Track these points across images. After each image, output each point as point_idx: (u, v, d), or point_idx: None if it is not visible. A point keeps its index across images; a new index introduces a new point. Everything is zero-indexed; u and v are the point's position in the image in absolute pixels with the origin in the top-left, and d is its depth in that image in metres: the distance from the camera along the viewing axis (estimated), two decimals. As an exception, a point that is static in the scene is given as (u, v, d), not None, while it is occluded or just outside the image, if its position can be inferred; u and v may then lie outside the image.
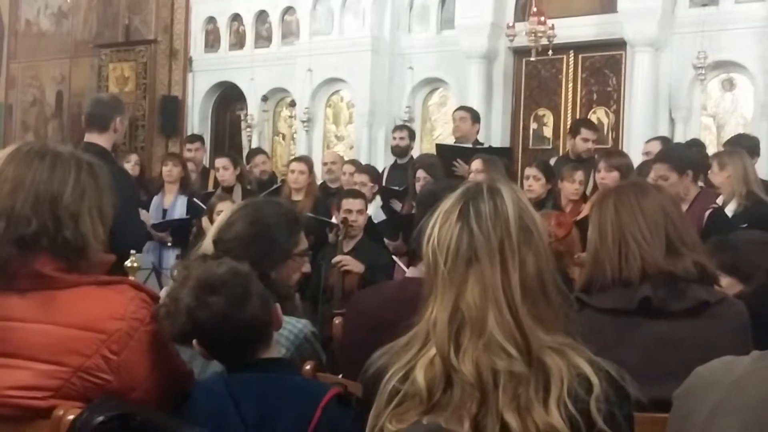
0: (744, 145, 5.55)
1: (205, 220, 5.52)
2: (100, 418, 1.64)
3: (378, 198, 6.53)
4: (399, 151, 7.49)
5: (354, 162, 7.53)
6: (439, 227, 1.47)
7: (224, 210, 5.13)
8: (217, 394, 1.85)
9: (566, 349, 1.41)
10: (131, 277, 3.41)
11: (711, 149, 6.77)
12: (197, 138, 8.33)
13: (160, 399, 1.85)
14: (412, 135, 7.73)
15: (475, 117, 7.18)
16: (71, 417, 1.70)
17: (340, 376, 2.47)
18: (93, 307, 1.81)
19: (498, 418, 1.35)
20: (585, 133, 6.53)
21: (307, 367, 2.20)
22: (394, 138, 7.58)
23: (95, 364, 1.76)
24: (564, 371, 1.37)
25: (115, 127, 4.25)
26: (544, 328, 1.41)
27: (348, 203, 5.26)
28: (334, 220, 5.62)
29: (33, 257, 1.80)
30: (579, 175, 5.57)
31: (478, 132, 7.21)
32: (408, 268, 2.94)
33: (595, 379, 1.37)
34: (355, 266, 4.97)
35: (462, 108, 7.37)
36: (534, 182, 5.43)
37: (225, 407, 1.82)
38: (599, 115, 8.62)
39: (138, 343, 1.81)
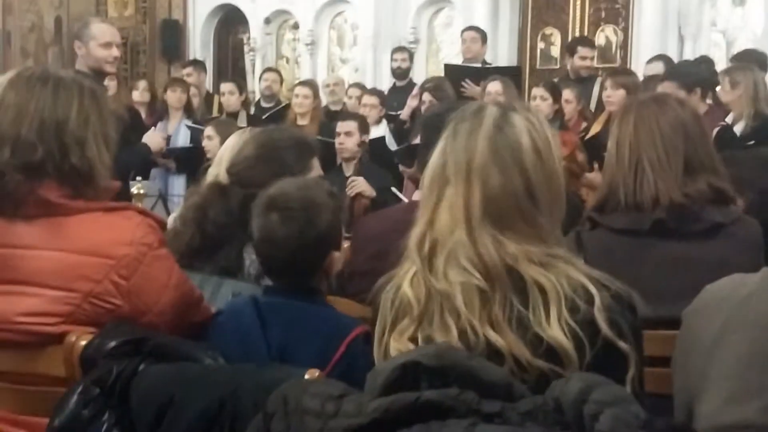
0: (752, 60, 5.42)
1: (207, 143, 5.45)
2: (113, 343, 1.65)
3: (385, 121, 6.48)
4: (401, 73, 7.42)
5: (359, 85, 7.44)
6: (436, 149, 1.48)
7: (213, 135, 5.10)
8: (246, 315, 1.86)
9: (557, 261, 1.40)
10: (138, 204, 3.40)
11: (720, 66, 6.64)
12: (192, 62, 8.20)
13: (172, 323, 1.85)
14: (411, 57, 7.66)
15: (485, 37, 7.10)
16: (83, 342, 1.70)
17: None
18: (101, 232, 1.80)
19: (477, 333, 1.36)
20: (582, 51, 6.46)
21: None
22: (395, 60, 7.50)
23: (105, 289, 1.76)
24: (563, 286, 1.36)
25: (77, 51, 4.08)
26: (519, 244, 1.39)
27: (338, 126, 5.19)
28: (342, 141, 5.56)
29: (39, 184, 1.79)
30: (566, 93, 5.51)
31: (485, 52, 7.11)
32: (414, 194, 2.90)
33: (593, 290, 1.36)
34: (367, 189, 4.92)
35: (472, 28, 7.23)
36: (541, 102, 5.37)
37: (251, 329, 1.84)
38: (607, 33, 8.46)
39: (147, 267, 1.80)
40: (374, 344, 1.47)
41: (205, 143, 5.37)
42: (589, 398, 1.14)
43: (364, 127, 5.32)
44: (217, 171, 2.56)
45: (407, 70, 7.44)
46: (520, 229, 1.41)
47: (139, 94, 6.95)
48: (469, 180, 1.41)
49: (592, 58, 6.43)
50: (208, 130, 5.35)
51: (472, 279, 1.37)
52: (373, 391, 1.28)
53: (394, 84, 7.50)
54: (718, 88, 4.83)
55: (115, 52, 4.11)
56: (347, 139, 5.12)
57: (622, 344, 1.35)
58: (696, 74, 4.66)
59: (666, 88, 4.33)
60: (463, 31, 7.22)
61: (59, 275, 1.76)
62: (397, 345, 1.42)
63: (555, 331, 1.34)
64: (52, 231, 1.78)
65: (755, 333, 1.12)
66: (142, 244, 1.81)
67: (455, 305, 1.38)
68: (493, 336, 1.35)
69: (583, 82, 6.08)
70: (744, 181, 2.49)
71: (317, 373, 1.49)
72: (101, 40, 4.04)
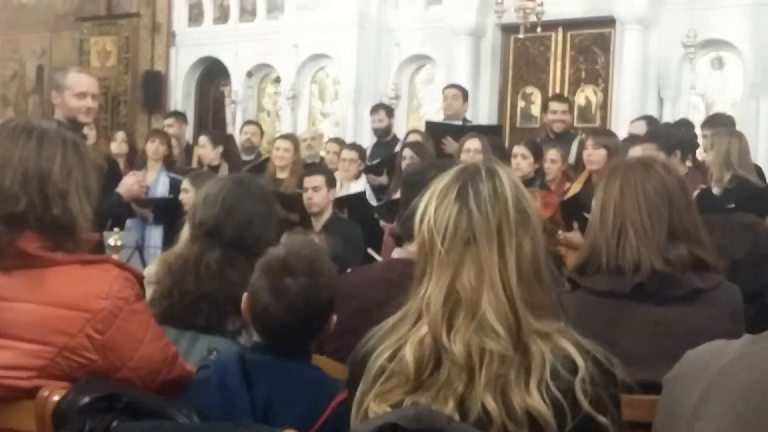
0: (723, 124, 5.52)
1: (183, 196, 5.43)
2: (87, 399, 1.61)
3: (364, 176, 6.50)
4: (381, 132, 7.49)
5: (338, 140, 7.49)
6: (436, 206, 1.44)
7: (189, 188, 5.08)
8: (231, 372, 1.84)
9: (553, 333, 1.41)
10: (114, 256, 3.36)
11: (699, 129, 6.77)
12: (173, 114, 8.25)
13: (147, 379, 1.82)
14: (390, 113, 7.72)
15: (466, 95, 7.21)
16: (56, 398, 1.67)
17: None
18: (77, 285, 1.78)
19: (479, 400, 1.35)
20: (552, 105, 6.58)
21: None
22: (373, 121, 7.58)
23: (80, 344, 1.74)
24: (547, 354, 1.37)
25: (53, 101, 4.08)
26: (535, 314, 1.41)
27: (306, 180, 5.22)
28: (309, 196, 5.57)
29: (19, 235, 1.78)
30: (552, 153, 5.55)
31: (466, 110, 7.21)
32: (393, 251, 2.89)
33: (580, 361, 1.37)
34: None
35: (454, 86, 7.33)
36: (522, 161, 5.40)
37: (236, 386, 1.81)
38: (587, 93, 8.61)
39: (123, 322, 1.78)
40: (353, 406, 1.44)
41: (181, 196, 5.36)
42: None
43: (331, 182, 5.34)
44: (190, 227, 2.54)
45: (387, 128, 7.50)
46: (537, 294, 1.42)
47: (117, 146, 6.96)
48: (502, 242, 1.41)
49: (563, 112, 6.49)
50: (185, 183, 5.34)
51: (499, 343, 1.36)
52: (351, 454, 1.26)
53: (378, 141, 7.55)
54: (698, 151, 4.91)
55: (90, 102, 4.06)
56: (315, 193, 5.16)
57: (601, 419, 1.36)
58: (676, 136, 4.73)
59: (646, 149, 4.39)
60: (444, 89, 7.32)
61: (34, 328, 1.74)
62: (376, 408, 1.39)
63: (534, 398, 1.34)
64: (29, 283, 1.77)
65: (737, 402, 1.11)
66: (119, 298, 1.79)
67: (467, 369, 1.35)
68: (491, 404, 1.34)
69: (562, 139, 6.14)
70: (718, 248, 2.50)
71: (292, 433, 1.46)
72: (76, 90, 4.03)
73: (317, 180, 5.20)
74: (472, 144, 5.42)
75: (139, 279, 1.91)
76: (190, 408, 1.67)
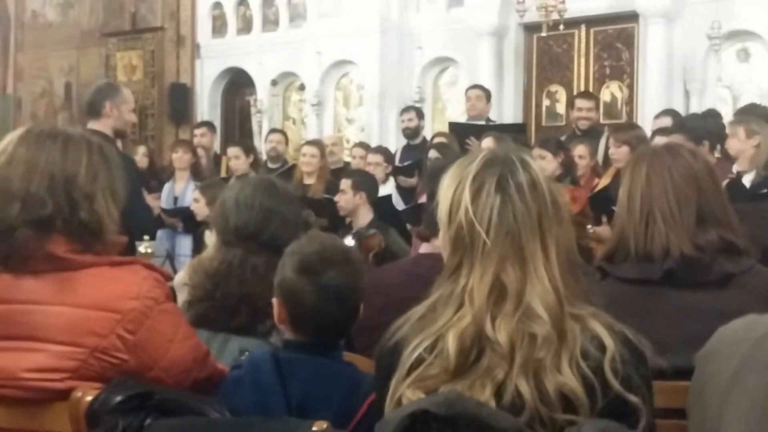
0: (758, 115, 5.47)
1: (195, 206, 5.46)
2: (119, 398, 1.63)
3: (392, 179, 6.52)
4: (410, 133, 7.47)
5: (363, 144, 7.52)
6: (472, 196, 1.44)
7: (199, 197, 5.14)
8: (265, 370, 1.84)
9: (586, 316, 1.42)
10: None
11: (726, 120, 6.69)
12: (204, 123, 8.34)
13: (178, 378, 1.83)
14: (420, 115, 7.73)
15: (489, 95, 7.23)
16: (89, 398, 1.68)
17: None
18: (107, 287, 1.80)
19: (513, 383, 1.36)
20: (578, 102, 6.59)
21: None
22: (403, 120, 7.58)
23: (111, 344, 1.75)
24: (578, 334, 1.38)
25: (107, 112, 4.22)
26: (570, 302, 1.42)
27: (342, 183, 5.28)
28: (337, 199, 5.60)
29: (48, 239, 1.79)
30: (580, 149, 5.51)
31: (489, 110, 7.21)
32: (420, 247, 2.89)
33: (609, 341, 1.38)
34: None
35: (477, 86, 7.33)
36: (541, 161, 5.37)
37: (270, 384, 1.82)
38: (612, 89, 8.55)
39: (153, 321, 1.79)
40: (387, 395, 1.43)
41: (192, 206, 5.45)
42: (602, 445, 1.13)
43: (359, 185, 5.36)
44: (220, 232, 2.54)
45: (417, 128, 7.50)
46: (571, 284, 1.43)
47: (138, 160, 7.04)
48: (543, 234, 1.42)
49: (588, 109, 6.46)
50: (195, 193, 5.42)
51: (543, 327, 1.37)
52: (382, 442, 1.26)
53: (408, 143, 7.55)
54: (727, 140, 4.84)
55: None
56: (341, 196, 5.22)
57: (631, 398, 1.36)
58: (704, 128, 4.68)
59: (674, 140, 4.35)
60: (467, 90, 7.33)
61: (65, 330, 1.75)
62: (411, 396, 1.39)
63: (567, 376, 1.35)
64: (59, 286, 1.78)
65: (771, 375, 1.10)
66: (149, 298, 1.80)
67: (509, 357, 1.36)
68: (524, 387, 1.34)
69: (588, 135, 6.11)
70: (749, 236, 2.47)
71: (325, 425, 1.46)
72: (131, 105, 4.35)
73: (344, 183, 5.26)
74: (487, 143, 5.43)
75: (168, 280, 1.92)
76: (222, 405, 1.68)
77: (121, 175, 1.95)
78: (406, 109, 7.78)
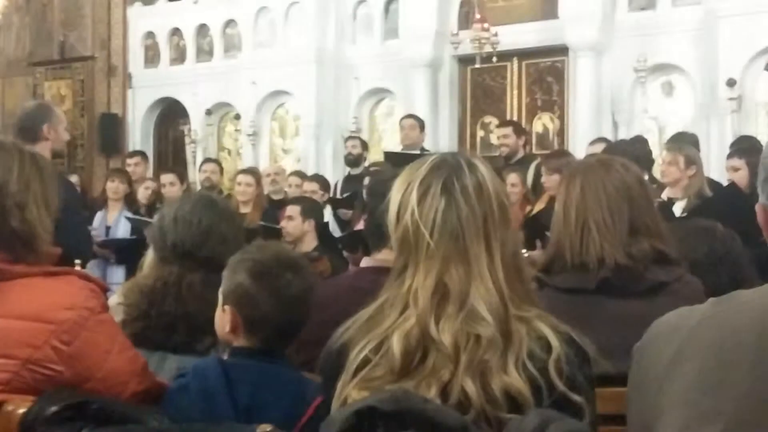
0: (687, 142, 5.66)
1: None
2: (54, 408, 1.58)
3: (329, 207, 6.52)
4: (352, 160, 7.51)
5: (298, 173, 7.52)
6: (418, 198, 1.44)
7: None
8: (212, 376, 1.82)
9: (532, 317, 1.43)
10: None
11: (655, 150, 6.92)
12: (137, 152, 8.24)
13: (116, 390, 1.78)
14: (364, 144, 7.79)
15: (422, 125, 7.29)
16: (22, 410, 1.63)
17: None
18: (41, 297, 1.76)
19: (459, 383, 1.36)
20: (496, 131, 6.87)
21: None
22: (347, 147, 7.60)
23: (45, 355, 1.70)
24: (524, 335, 1.39)
25: (44, 135, 4.11)
26: (515, 304, 1.43)
27: (285, 210, 5.27)
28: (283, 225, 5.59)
29: (-23, 249, 1.73)
30: (512, 177, 5.64)
31: (423, 140, 7.28)
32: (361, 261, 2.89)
33: (554, 341, 1.39)
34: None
35: (411, 116, 7.41)
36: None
37: (217, 390, 1.80)
38: (544, 120, 8.75)
39: (89, 332, 1.75)
40: (334, 398, 1.43)
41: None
42: (546, 432, 1.14)
43: (307, 213, 5.36)
44: (158, 249, 2.50)
45: (359, 157, 7.56)
46: (516, 287, 1.44)
47: (68, 190, 6.88)
48: (488, 237, 1.43)
49: (505, 136, 6.65)
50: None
51: (486, 330, 1.37)
52: (327, 440, 1.25)
53: (348, 173, 7.57)
54: (664, 167, 4.98)
55: None
56: (288, 222, 5.20)
57: (575, 397, 1.38)
58: (632, 152, 4.81)
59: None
60: (401, 119, 7.39)
61: (-3, 341, 1.70)
62: (357, 396, 1.39)
63: (512, 377, 1.36)
64: (-9, 296, 1.73)
65: (707, 360, 1.12)
66: (84, 308, 1.76)
67: (454, 358, 1.37)
68: (470, 387, 1.35)
69: (522, 164, 6.24)
70: (678, 251, 2.55)
71: (269, 428, 1.45)
72: (65, 123, 4.26)
73: (293, 210, 5.24)
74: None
75: (104, 290, 1.88)
76: (161, 413, 1.65)
77: (55, 186, 1.91)
78: (351, 137, 7.85)
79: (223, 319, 1.90)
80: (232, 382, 1.80)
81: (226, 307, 1.89)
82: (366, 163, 7.63)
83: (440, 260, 1.41)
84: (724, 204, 4.43)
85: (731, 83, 7.45)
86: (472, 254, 1.42)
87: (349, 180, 7.39)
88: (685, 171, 4.85)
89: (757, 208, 1.21)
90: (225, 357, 1.93)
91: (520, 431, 1.18)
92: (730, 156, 5.29)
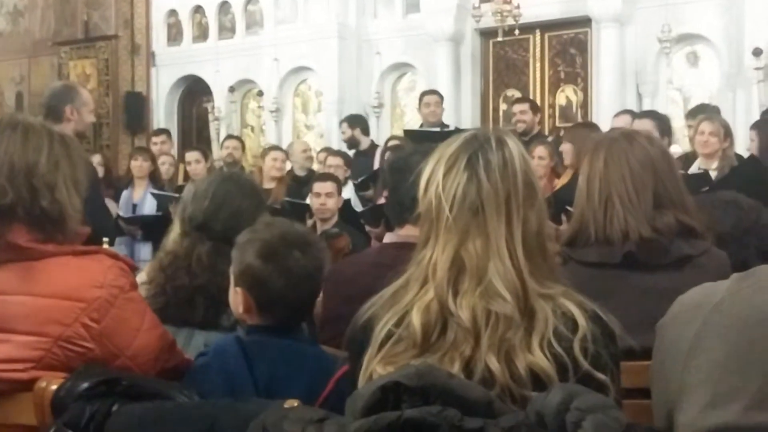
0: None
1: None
2: (85, 385, 1.61)
3: (350, 183, 6.53)
4: (350, 143, 7.56)
5: (328, 149, 7.54)
6: (444, 173, 1.45)
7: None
8: (231, 354, 1.84)
9: (557, 295, 1.42)
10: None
11: (678, 122, 6.86)
12: (162, 131, 8.27)
13: (145, 367, 1.82)
14: (353, 124, 7.71)
15: (442, 100, 7.24)
16: (54, 387, 1.66)
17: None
18: (71, 276, 1.78)
19: (483, 360, 1.36)
20: (513, 107, 6.77)
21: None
22: (342, 132, 7.67)
23: (76, 333, 1.73)
24: (549, 313, 1.39)
25: (67, 116, 4.13)
26: (539, 282, 1.42)
27: (317, 186, 5.26)
28: (308, 201, 5.61)
29: (9, 228, 1.77)
30: (539, 150, 5.61)
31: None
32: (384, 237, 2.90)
33: (581, 320, 1.38)
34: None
35: (434, 92, 7.36)
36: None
37: (237, 368, 1.82)
38: (567, 93, 8.68)
39: (118, 310, 1.78)
40: (360, 372, 1.44)
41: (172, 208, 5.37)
42: (570, 406, 1.14)
43: (340, 189, 5.41)
44: (180, 224, 2.54)
45: (352, 138, 7.56)
46: (540, 265, 1.44)
47: (94, 169, 6.94)
48: (509, 214, 1.42)
49: (522, 112, 6.59)
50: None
51: (505, 307, 1.37)
52: (354, 414, 1.26)
53: (357, 151, 7.58)
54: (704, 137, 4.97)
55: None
56: (328, 199, 5.19)
57: (600, 376, 1.37)
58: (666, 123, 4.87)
59: (644, 125, 4.45)
60: (424, 95, 7.31)
61: (29, 320, 1.73)
62: (382, 371, 1.40)
63: (537, 356, 1.36)
64: (22, 275, 1.76)
65: (731, 336, 1.13)
66: (114, 286, 1.79)
67: (474, 333, 1.37)
68: (495, 364, 1.35)
69: (538, 138, 6.24)
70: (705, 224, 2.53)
71: (296, 403, 1.46)
72: (91, 105, 4.24)
73: (330, 186, 5.26)
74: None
75: (132, 269, 1.91)
76: (191, 389, 1.67)
77: (83, 165, 1.94)
78: (341, 122, 7.85)
79: (235, 300, 1.92)
80: (251, 360, 1.82)
81: (238, 289, 1.91)
82: (364, 143, 7.59)
83: (458, 234, 1.42)
84: (745, 175, 4.40)
85: (757, 53, 7.34)
86: (491, 229, 1.41)
87: (356, 156, 7.35)
88: (723, 142, 4.84)
89: None
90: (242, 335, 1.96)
91: (545, 406, 1.18)
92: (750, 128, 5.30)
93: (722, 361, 1.13)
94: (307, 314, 1.96)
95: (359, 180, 6.60)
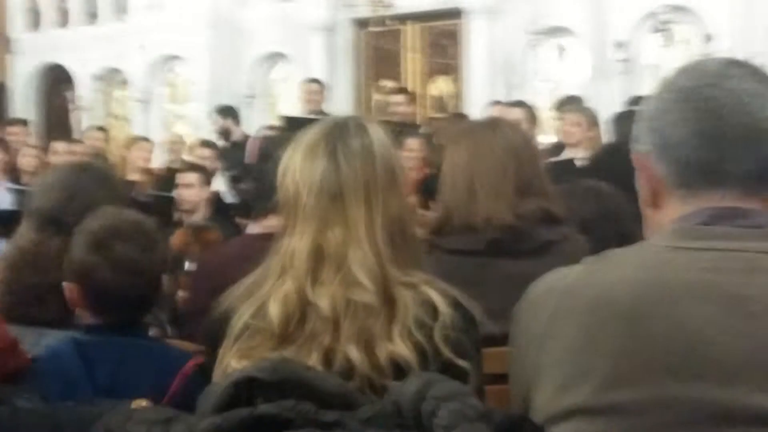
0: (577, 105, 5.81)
1: None
2: None
3: (221, 175, 6.39)
4: (222, 134, 7.45)
5: (199, 140, 7.38)
6: (302, 159, 1.41)
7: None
8: (67, 358, 1.74)
9: (419, 283, 1.41)
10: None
11: (546, 113, 7.07)
12: (18, 121, 7.85)
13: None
14: (224, 114, 7.62)
15: (324, 89, 7.19)
16: None
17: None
18: None
19: (342, 350, 1.33)
20: (390, 98, 6.82)
21: (150, 335, 2.09)
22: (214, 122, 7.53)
23: None
24: (409, 301, 1.37)
25: None
26: (401, 269, 1.40)
27: (178, 178, 5.12)
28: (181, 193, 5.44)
29: None
30: (410, 142, 5.64)
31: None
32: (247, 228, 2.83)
33: (442, 306, 1.37)
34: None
35: (315, 80, 7.30)
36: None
37: (74, 371, 1.71)
38: (440, 84, 8.78)
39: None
40: (215, 367, 1.38)
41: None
42: (426, 395, 1.12)
43: (204, 180, 5.23)
44: (26, 217, 2.39)
45: (225, 128, 7.45)
46: (402, 251, 1.41)
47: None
48: (369, 199, 1.39)
49: (397, 104, 6.60)
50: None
51: (365, 295, 1.34)
52: (205, 413, 1.20)
53: (233, 143, 7.43)
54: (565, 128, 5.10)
55: None
56: (186, 191, 5.04)
57: (461, 362, 1.37)
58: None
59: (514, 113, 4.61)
60: (304, 83, 7.23)
61: None
62: (236, 365, 1.34)
63: (398, 345, 1.33)
64: None
65: (581, 318, 1.13)
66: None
67: (333, 322, 1.33)
68: (354, 354, 1.32)
69: (413, 128, 6.28)
70: (569, 212, 2.59)
71: (144, 403, 1.38)
72: None
73: (191, 177, 5.08)
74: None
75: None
76: (32, 392, 1.56)
77: None
78: (211, 112, 7.77)
79: (68, 296, 1.82)
80: (89, 362, 1.72)
81: (65, 284, 1.81)
82: (236, 133, 7.49)
83: (317, 221, 1.38)
84: (605, 162, 4.56)
85: (619, 45, 7.65)
86: (350, 217, 1.38)
87: (230, 149, 7.23)
88: (587, 131, 4.99)
89: (633, 156, 1.22)
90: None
91: (401, 396, 1.15)
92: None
93: (573, 343, 1.13)
94: (146, 310, 1.85)
95: (231, 173, 6.46)
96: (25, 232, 2.32)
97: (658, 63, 7.56)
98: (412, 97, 6.93)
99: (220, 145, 7.37)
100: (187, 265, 3.02)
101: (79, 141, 6.87)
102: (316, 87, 7.08)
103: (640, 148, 1.20)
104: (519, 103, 6.20)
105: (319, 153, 1.41)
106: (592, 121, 5.08)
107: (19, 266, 2.17)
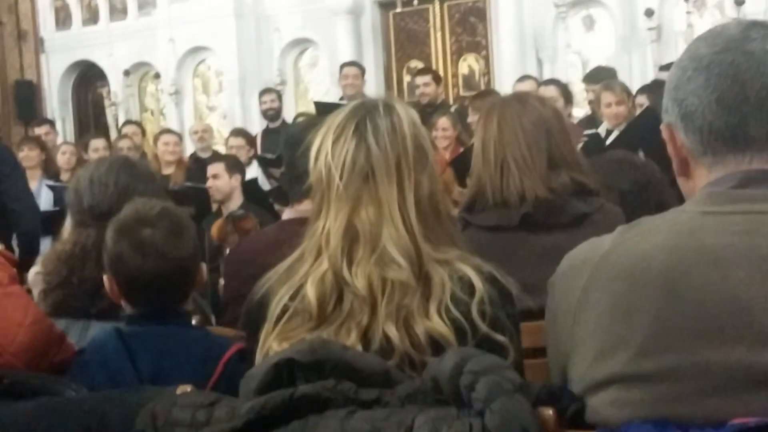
0: (606, 77, 5.76)
1: None
2: (-38, 385, 1.51)
3: (254, 162, 6.43)
4: (273, 114, 7.38)
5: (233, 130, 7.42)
6: (333, 141, 1.43)
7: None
8: (111, 348, 1.76)
9: (453, 259, 1.41)
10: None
11: (577, 85, 6.99)
12: (45, 121, 7.99)
13: (32, 363, 1.72)
14: (280, 97, 7.66)
15: (364, 72, 7.12)
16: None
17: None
18: (-55, 271, 1.67)
19: (380, 329, 1.34)
20: (415, 80, 6.70)
21: (193, 322, 2.12)
22: (264, 102, 7.45)
23: (-48, 333, 1.63)
24: (445, 277, 1.38)
25: None
26: (434, 246, 1.41)
27: (208, 169, 5.18)
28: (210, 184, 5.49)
29: None
30: (442, 122, 5.62)
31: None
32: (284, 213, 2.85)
33: (478, 282, 1.38)
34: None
35: (353, 63, 7.25)
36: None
37: (118, 361, 1.73)
38: (470, 62, 8.74)
39: (-2, 306, 1.68)
40: (257, 350, 1.40)
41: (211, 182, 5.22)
42: (464, 370, 1.13)
43: (232, 168, 5.26)
44: (74, 213, 2.44)
45: (278, 110, 7.41)
46: (435, 229, 1.42)
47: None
48: (401, 178, 1.40)
49: (425, 84, 6.47)
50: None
51: (400, 273, 1.35)
52: (247, 395, 1.23)
53: (267, 126, 7.44)
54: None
55: None
56: (215, 181, 5.10)
57: (499, 337, 1.38)
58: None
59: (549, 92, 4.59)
60: (342, 67, 7.12)
61: None
62: (277, 348, 1.36)
63: (435, 321, 1.34)
64: None
65: (616, 286, 1.13)
66: (-9, 281, 1.69)
67: (370, 301, 1.35)
68: (393, 332, 1.33)
69: (441, 108, 6.26)
70: (605, 185, 2.58)
71: (189, 388, 1.41)
72: None
73: (216, 168, 5.13)
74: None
75: (13, 262, 1.81)
76: (78, 383, 1.60)
77: None
78: (267, 91, 7.68)
79: (108, 288, 1.85)
80: (132, 351, 1.74)
81: (105, 276, 1.85)
82: (285, 115, 7.51)
83: (350, 201, 1.39)
84: (642, 126, 4.52)
85: (649, 13, 7.54)
86: (382, 195, 1.39)
87: (268, 133, 7.25)
88: (631, 107, 4.97)
89: (662, 127, 1.22)
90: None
91: (439, 372, 1.16)
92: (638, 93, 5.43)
93: (608, 312, 1.13)
94: (183, 298, 1.87)
95: (272, 157, 6.48)
96: (70, 228, 2.37)
97: (690, 30, 7.43)
98: (437, 77, 6.87)
99: (264, 127, 7.38)
100: (227, 254, 3.06)
101: (117, 137, 6.95)
102: (355, 71, 6.95)
103: (668, 119, 1.19)
104: (552, 81, 6.15)
105: (348, 134, 1.42)
106: (629, 94, 5.04)
107: (66, 262, 2.22)
